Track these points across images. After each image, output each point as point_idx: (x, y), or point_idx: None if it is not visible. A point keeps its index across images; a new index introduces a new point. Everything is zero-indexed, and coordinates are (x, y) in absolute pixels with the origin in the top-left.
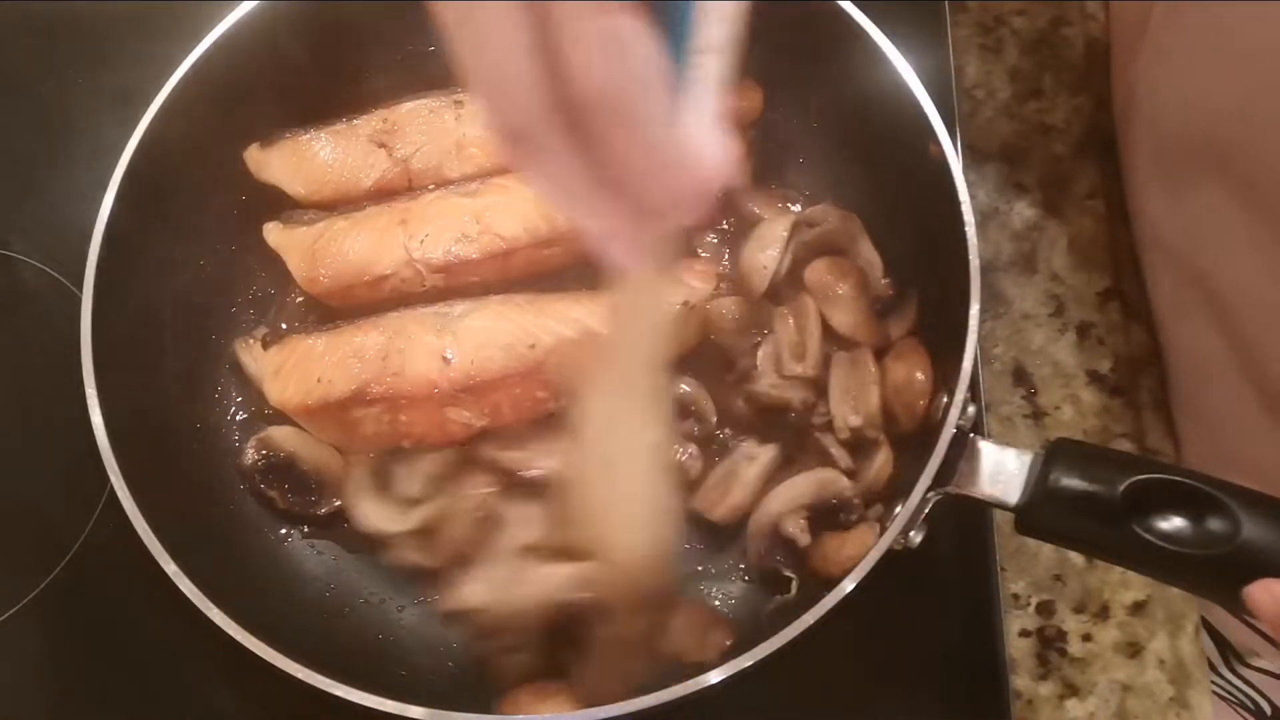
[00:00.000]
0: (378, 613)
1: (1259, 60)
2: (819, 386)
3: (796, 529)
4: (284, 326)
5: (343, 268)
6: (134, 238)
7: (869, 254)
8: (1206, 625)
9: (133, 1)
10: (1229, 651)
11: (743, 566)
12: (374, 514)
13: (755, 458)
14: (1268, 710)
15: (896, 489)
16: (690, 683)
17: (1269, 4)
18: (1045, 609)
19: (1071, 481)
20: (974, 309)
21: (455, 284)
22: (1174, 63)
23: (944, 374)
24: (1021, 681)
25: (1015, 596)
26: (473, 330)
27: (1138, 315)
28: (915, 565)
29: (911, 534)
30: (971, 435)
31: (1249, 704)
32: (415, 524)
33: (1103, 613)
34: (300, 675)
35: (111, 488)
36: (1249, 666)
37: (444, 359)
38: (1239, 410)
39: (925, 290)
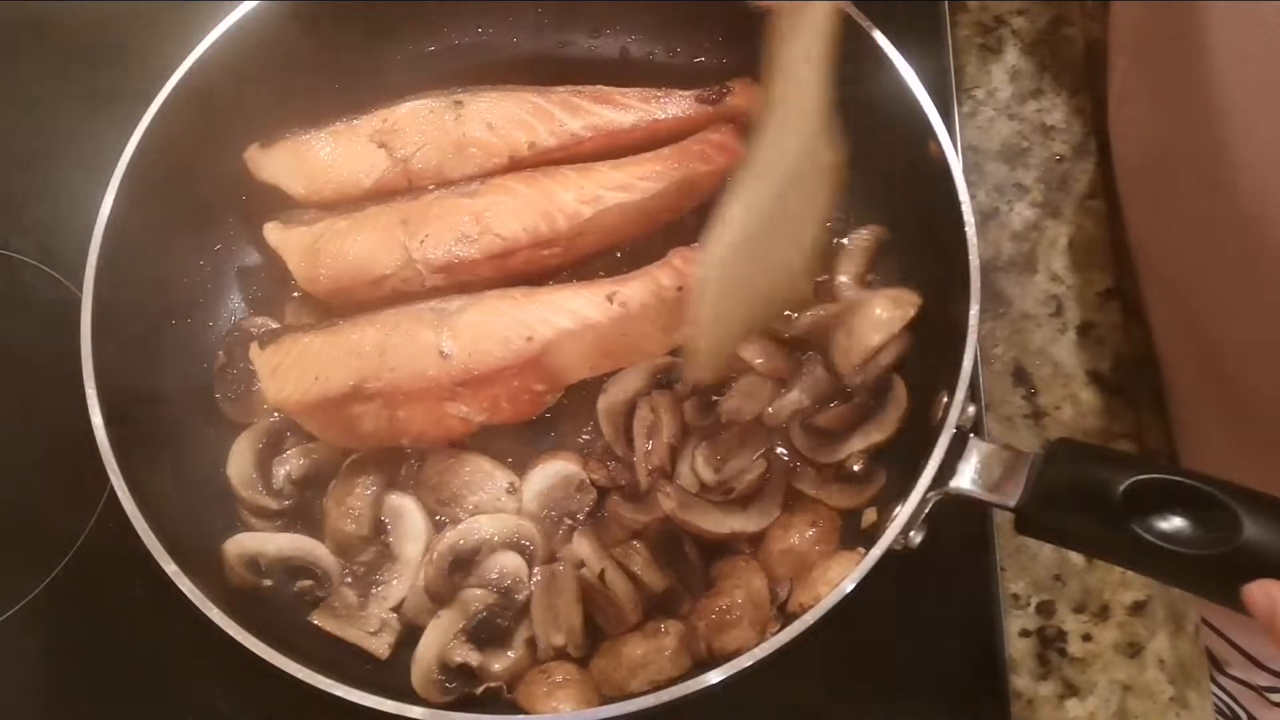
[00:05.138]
0: None
1: (1200, 110)
2: None
3: None
4: (283, 326)
5: (343, 267)
6: (133, 238)
7: None
8: None
9: (133, 1)
10: (1210, 658)
11: None
12: (237, 471)
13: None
14: (1244, 718)
15: (895, 488)
16: (690, 683)
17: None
18: (1045, 609)
19: (1071, 482)
20: (974, 309)
21: (455, 284)
22: (1143, 89)
23: (944, 374)
24: (1021, 681)
25: (1015, 596)
26: (470, 324)
27: (1138, 315)
28: (915, 565)
29: (911, 534)
30: (971, 436)
31: (1227, 711)
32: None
33: (1103, 613)
34: (300, 675)
35: (111, 488)
36: (1225, 675)
37: (441, 354)
38: (1219, 430)
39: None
